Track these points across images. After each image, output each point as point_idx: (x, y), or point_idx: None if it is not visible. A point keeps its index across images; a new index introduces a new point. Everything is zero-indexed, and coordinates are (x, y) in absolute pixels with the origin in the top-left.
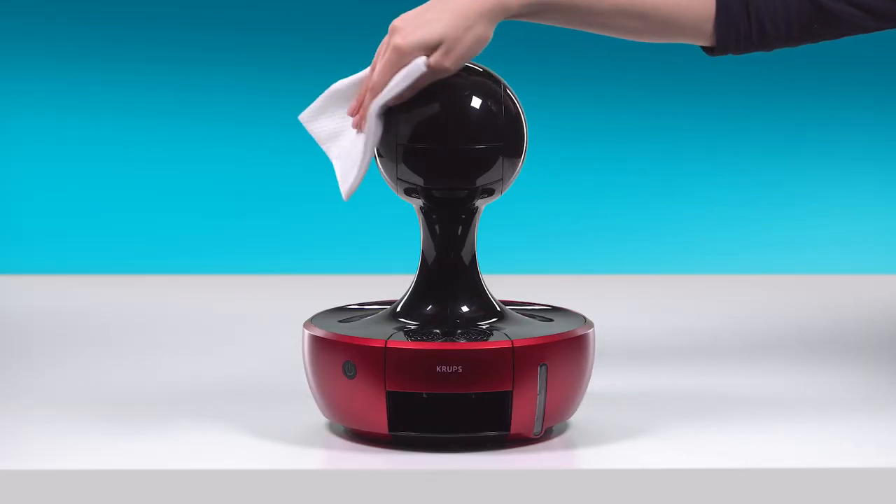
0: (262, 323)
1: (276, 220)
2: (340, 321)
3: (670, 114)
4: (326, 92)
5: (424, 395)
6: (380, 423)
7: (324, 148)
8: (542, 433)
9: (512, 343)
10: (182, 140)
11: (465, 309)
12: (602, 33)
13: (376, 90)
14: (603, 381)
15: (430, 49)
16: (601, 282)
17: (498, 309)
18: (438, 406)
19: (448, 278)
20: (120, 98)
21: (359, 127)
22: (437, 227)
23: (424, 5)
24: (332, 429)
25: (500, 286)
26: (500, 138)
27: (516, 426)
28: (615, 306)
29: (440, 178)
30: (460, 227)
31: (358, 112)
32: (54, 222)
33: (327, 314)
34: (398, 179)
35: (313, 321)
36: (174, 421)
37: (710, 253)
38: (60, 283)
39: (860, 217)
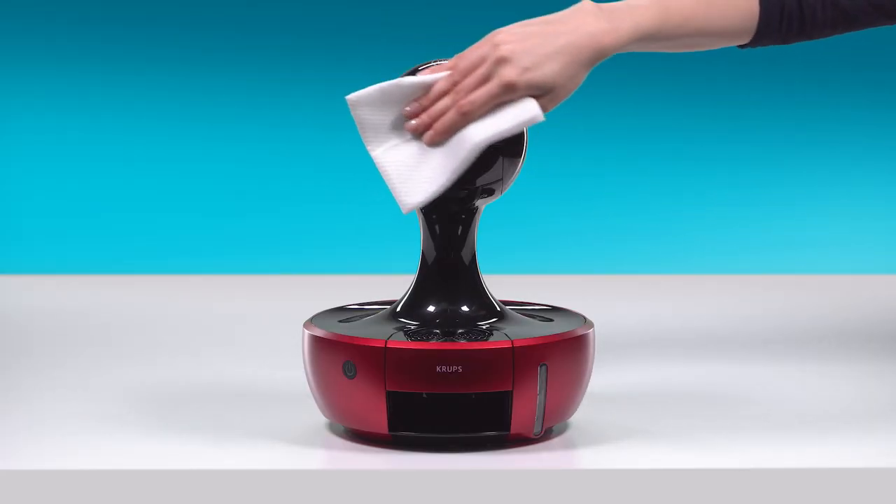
0: (262, 323)
1: (276, 220)
2: (340, 321)
3: (670, 114)
4: (386, 84)
5: (424, 395)
6: (380, 423)
7: (364, 137)
8: (542, 433)
9: (512, 343)
10: (182, 140)
11: (465, 309)
12: (674, 51)
13: (470, 115)
14: (603, 381)
15: (540, 93)
16: (601, 282)
17: (498, 309)
18: (438, 406)
19: (448, 278)
20: (120, 98)
21: (430, 140)
22: (437, 227)
23: (534, 28)
24: (332, 429)
25: (500, 286)
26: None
27: (516, 426)
28: (615, 306)
29: None
30: (460, 227)
31: (419, 117)
32: (54, 222)
33: (327, 314)
34: None
35: (313, 321)
36: (174, 421)
37: (710, 253)
38: (60, 283)
39: (860, 217)
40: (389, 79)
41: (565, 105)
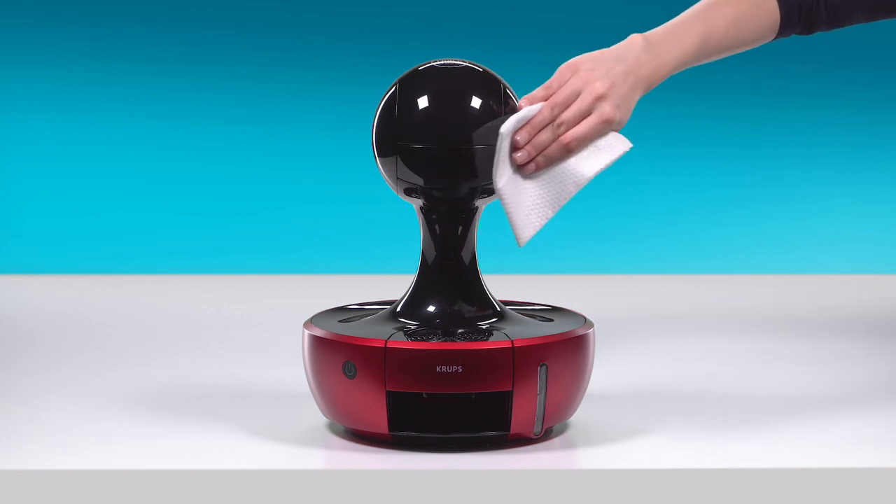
0: (262, 323)
1: (276, 220)
2: (340, 321)
3: (671, 114)
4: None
5: (424, 395)
6: (380, 423)
7: (496, 169)
8: (542, 433)
9: (512, 343)
10: (182, 140)
11: (465, 309)
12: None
13: (574, 150)
14: (603, 381)
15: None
16: (601, 282)
17: (498, 309)
18: (438, 406)
19: (448, 278)
20: (120, 98)
21: (532, 170)
22: (437, 227)
23: (609, 64)
24: (332, 429)
25: (500, 286)
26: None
27: (516, 426)
28: (615, 306)
29: (440, 178)
30: (460, 227)
31: (526, 148)
32: (54, 222)
33: (327, 314)
34: (398, 179)
35: (313, 321)
36: (174, 421)
37: (710, 253)
38: (60, 283)
39: (860, 217)
40: (389, 78)
41: None
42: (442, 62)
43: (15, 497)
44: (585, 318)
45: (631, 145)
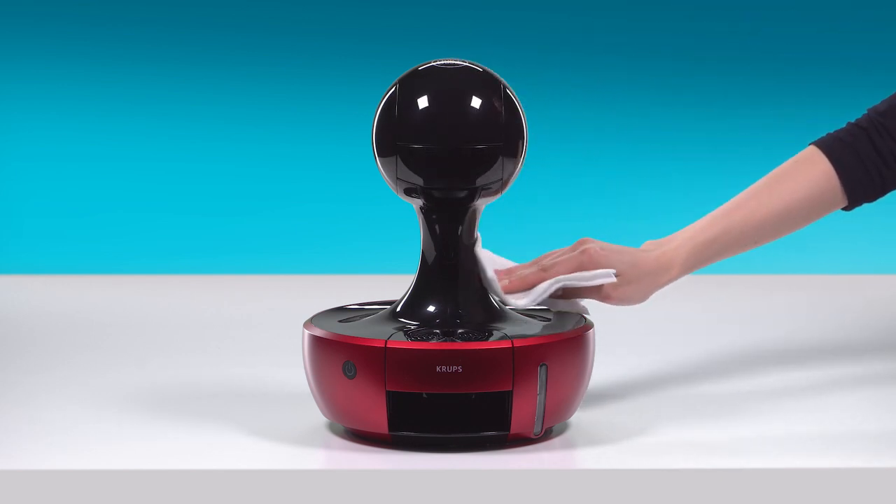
0: (262, 323)
1: (276, 220)
2: (340, 321)
3: (670, 114)
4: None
5: (424, 395)
6: (380, 423)
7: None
8: (542, 433)
9: (512, 343)
10: (182, 140)
11: (465, 309)
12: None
13: (550, 273)
14: (603, 381)
15: (614, 271)
16: None
17: (498, 309)
18: (438, 406)
19: (448, 278)
20: (120, 98)
21: (507, 288)
22: (437, 227)
23: (612, 244)
24: (332, 429)
25: None
26: (500, 138)
27: (516, 426)
28: (615, 306)
29: (440, 178)
30: (460, 227)
31: (511, 279)
32: (54, 222)
33: (327, 314)
34: (398, 179)
35: (313, 321)
36: (174, 421)
37: None
38: (60, 283)
39: (860, 217)
40: (389, 78)
41: (565, 105)
42: (442, 62)
43: (15, 497)
44: (585, 318)
45: (612, 274)
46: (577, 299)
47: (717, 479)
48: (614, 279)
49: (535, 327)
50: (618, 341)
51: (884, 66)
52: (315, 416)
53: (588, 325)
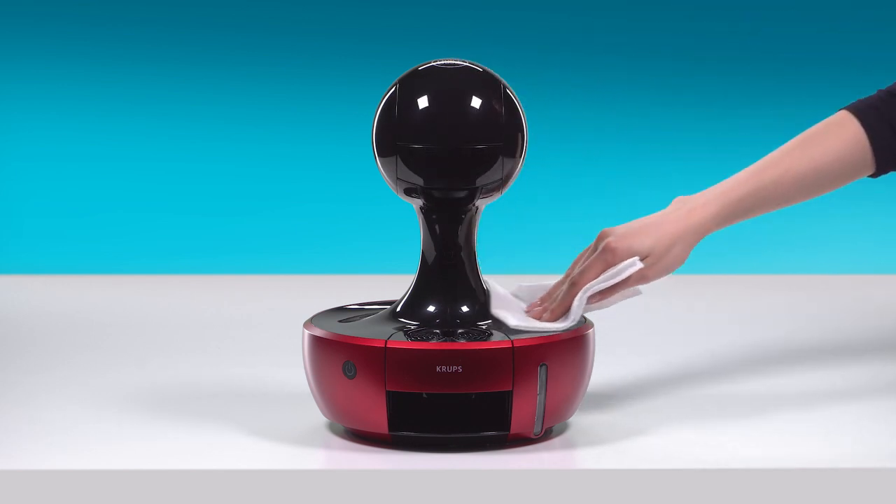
0: (262, 323)
1: (276, 220)
2: (340, 321)
3: (671, 114)
4: (514, 289)
5: (424, 395)
6: (380, 423)
7: (493, 303)
8: (542, 433)
9: (512, 343)
10: (182, 140)
11: (465, 309)
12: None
13: (580, 284)
14: (603, 381)
15: (639, 256)
16: None
17: None
18: (438, 406)
19: (448, 278)
20: (120, 98)
21: (550, 318)
22: (437, 227)
23: (632, 222)
24: (332, 429)
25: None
26: (501, 138)
27: (516, 426)
28: (615, 306)
29: (440, 178)
30: (460, 227)
31: (543, 307)
32: (54, 222)
33: (327, 314)
34: (398, 179)
35: (313, 321)
36: (174, 421)
37: (710, 253)
38: (60, 283)
39: (860, 217)
40: (389, 78)
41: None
42: (442, 62)
43: (15, 497)
44: (585, 318)
45: (637, 262)
46: (623, 291)
47: (717, 479)
48: (641, 265)
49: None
50: (618, 341)
51: (884, 66)
52: (315, 416)
53: (588, 325)
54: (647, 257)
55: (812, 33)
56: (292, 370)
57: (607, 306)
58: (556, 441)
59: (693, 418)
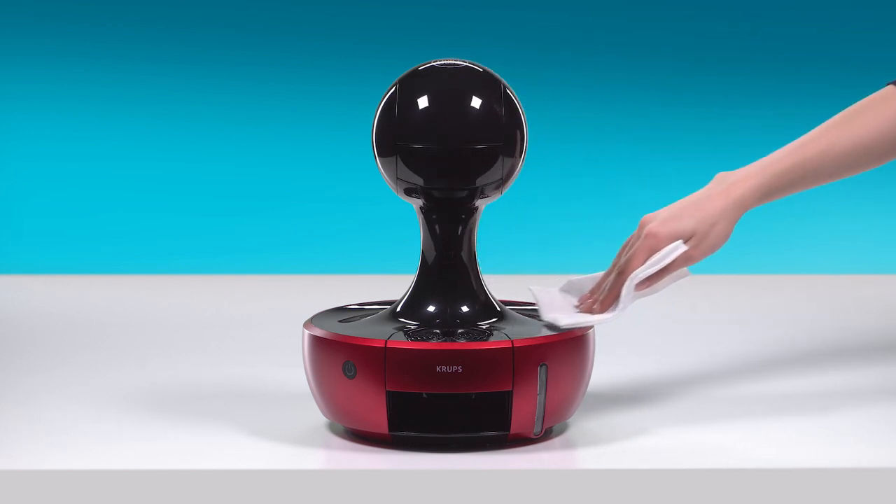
0: (262, 323)
1: (276, 220)
2: (340, 321)
3: (671, 114)
4: (563, 284)
5: (424, 395)
6: (380, 423)
7: (542, 310)
8: (542, 433)
9: (512, 343)
10: (182, 140)
11: (465, 309)
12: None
13: (627, 272)
14: (603, 381)
15: (682, 238)
16: None
17: (498, 309)
18: (438, 406)
19: (448, 278)
20: (120, 98)
21: (601, 309)
22: (437, 227)
23: (673, 205)
24: (332, 429)
25: (500, 286)
26: (501, 138)
27: (516, 426)
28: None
29: (440, 178)
30: (460, 227)
31: (593, 299)
32: (54, 222)
33: (327, 314)
34: (398, 179)
35: (313, 321)
36: (174, 421)
37: None
38: (60, 283)
39: (860, 217)
40: (389, 78)
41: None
42: (442, 62)
43: (15, 497)
44: None
45: (681, 245)
46: (671, 274)
47: (717, 479)
48: (685, 247)
49: (535, 327)
50: (618, 341)
51: (884, 66)
52: (315, 416)
53: (588, 325)
54: (690, 238)
55: (812, 33)
56: (292, 370)
57: (657, 291)
58: (556, 441)
59: (693, 418)
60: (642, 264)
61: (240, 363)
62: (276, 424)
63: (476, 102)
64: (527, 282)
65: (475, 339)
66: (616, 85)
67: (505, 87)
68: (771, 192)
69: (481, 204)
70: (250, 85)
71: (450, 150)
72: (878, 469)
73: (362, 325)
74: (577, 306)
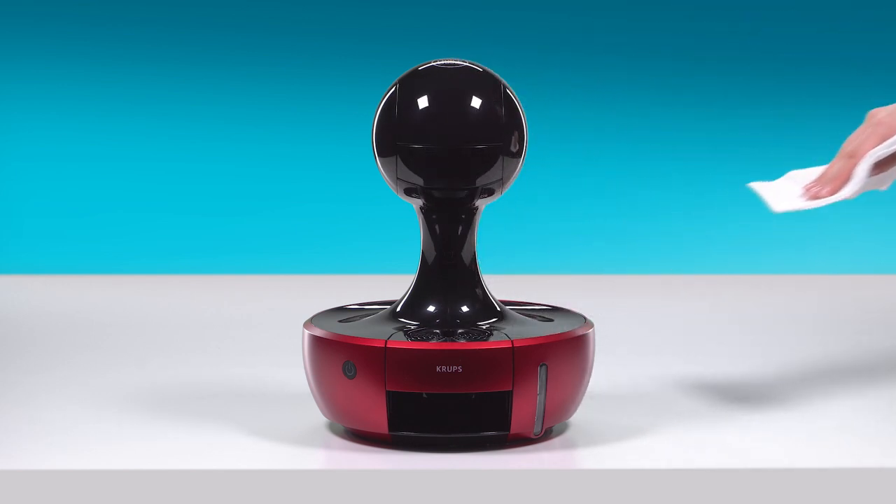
0: (262, 323)
1: (276, 220)
2: (340, 321)
3: (671, 114)
4: (784, 178)
5: (424, 395)
6: (380, 423)
7: (770, 203)
8: (542, 433)
9: (512, 343)
10: (182, 140)
11: (465, 309)
12: None
13: (857, 156)
14: (603, 381)
15: None
16: (601, 282)
17: (498, 309)
18: (438, 406)
19: (448, 278)
20: (120, 98)
21: (829, 193)
22: (437, 227)
23: None
24: (332, 429)
25: (500, 286)
26: (501, 138)
27: (516, 426)
28: (615, 306)
29: (440, 178)
30: (460, 227)
31: (820, 185)
32: (54, 222)
33: (327, 314)
34: (398, 179)
35: (313, 321)
36: (174, 421)
37: (710, 253)
38: (60, 283)
39: (860, 217)
40: (389, 78)
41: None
42: (442, 62)
43: (15, 497)
44: (586, 318)
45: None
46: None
47: (717, 479)
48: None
49: (535, 327)
50: (618, 341)
51: (884, 66)
52: (315, 416)
53: (588, 325)
54: None
55: (812, 33)
56: (292, 370)
57: (882, 185)
58: (556, 441)
59: (693, 418)
60: (874, 147)
61: (240, 363)
62: (276, 424)
63: (476, 102)
64: (527, 282)
65: (475, 339)
66: (616, 85)
67: (505, 87)
68: None
69: (481, 204)
70: (250, 85)
71: (450, 150)
72: (878, 469)
73: (362, 325)
74: (802, 195)
